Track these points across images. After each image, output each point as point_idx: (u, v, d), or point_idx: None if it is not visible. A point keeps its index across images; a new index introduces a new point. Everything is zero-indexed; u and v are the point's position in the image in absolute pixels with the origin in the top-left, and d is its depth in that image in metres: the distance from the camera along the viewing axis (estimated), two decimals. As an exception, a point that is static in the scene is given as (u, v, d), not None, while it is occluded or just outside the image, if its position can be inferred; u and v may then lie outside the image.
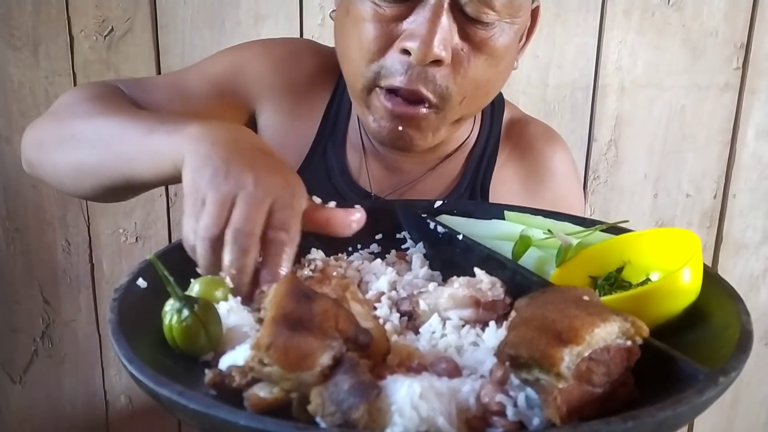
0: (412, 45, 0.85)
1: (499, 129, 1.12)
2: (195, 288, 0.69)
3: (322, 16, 1.54)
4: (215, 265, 0.67)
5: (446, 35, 0.85)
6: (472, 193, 1.09)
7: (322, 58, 1.11)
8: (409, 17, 0.86)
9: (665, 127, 1.76)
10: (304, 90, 1.09)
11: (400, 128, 0.91)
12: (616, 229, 0.80)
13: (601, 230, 0.80)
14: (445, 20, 0.84)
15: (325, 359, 0.51)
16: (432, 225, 0.83)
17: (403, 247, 0.85)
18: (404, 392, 0.50)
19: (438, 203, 0.90)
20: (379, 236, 0.85)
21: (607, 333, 0.52)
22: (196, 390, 0.52)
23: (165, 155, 0.76)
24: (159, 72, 1.52)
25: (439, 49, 0.84)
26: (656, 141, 1.77)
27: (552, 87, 1.68)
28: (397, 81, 0.88)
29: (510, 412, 0.51)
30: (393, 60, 0.88)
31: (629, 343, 0.53)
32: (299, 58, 1.10)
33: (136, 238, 1.64)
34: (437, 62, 0.86)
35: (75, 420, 1.74)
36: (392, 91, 0.89)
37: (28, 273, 1.63)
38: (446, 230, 0.81)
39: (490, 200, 1.09)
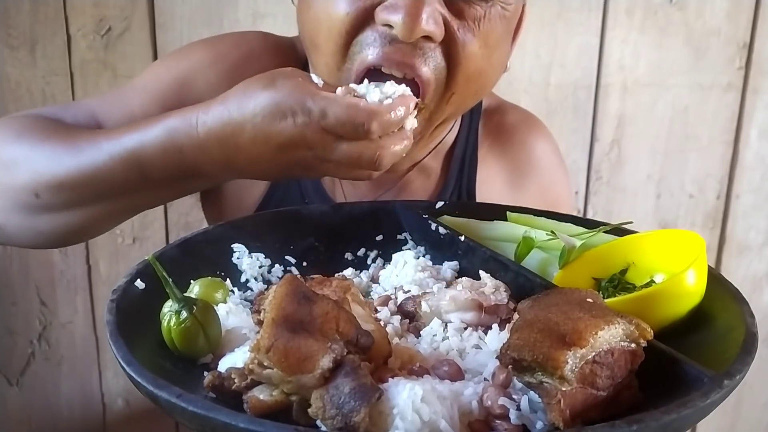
0: (395, 18, 0.73)
1: (477, 121, 1.04)
2: (194, 289, 0.69)
3: (323, 16, 1.54)
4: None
5: (436, 6, 0.75)
6: (459, 196, 1.02)
7: (280, 52, 1.00)
8: None
9: (668, 127, 1.76)
10: None
11: None
12: (619, 231, 0.80)
13: (605, 231, 0.79)
14: None
15: (325, 362, 0.50)
16: (434, 226, 0.82)
17: (404, 248, 0.85)
18: (406, 395, 0.49)
19: (440, 204, 0.89)
20: (379, 237, 0.84)
21: (611, 335, 0.52)
22: (195, 392, 0.52)
23: (181, 184, 0.78)
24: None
25: (428, 23, 0.74)
26: (659, 141, 1.77)
27: (554, 86, 1.68)
28: (372, 54, 0.76)
29: (513, 415, 0.51)
30: (370, 34, 0.77)
31: (633, 345, 0.53)
32: (255, 59, 0.97)
33: (133, 239, 1.63)
34: (427, 38, 0.76)
35: (72, 422, 1.73)
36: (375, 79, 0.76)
37: (24, 275, 1.62)
38: (448, 231, 0.80)
39: (477, 200, 1.03)
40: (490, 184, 1.04)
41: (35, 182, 0.80)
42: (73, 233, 0.85)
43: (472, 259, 0.76)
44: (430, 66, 0.78)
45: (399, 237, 0.86)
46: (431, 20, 0.74)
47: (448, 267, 0.78)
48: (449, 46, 0.79)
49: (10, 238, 0.87)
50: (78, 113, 0.92)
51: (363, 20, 0.78)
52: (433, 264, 0.79)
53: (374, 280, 0.79)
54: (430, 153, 1.01)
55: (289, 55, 1.00)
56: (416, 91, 0.78)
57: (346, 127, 0.68)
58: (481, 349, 0.62)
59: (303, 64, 0.96)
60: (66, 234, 0.85)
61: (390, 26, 0.75)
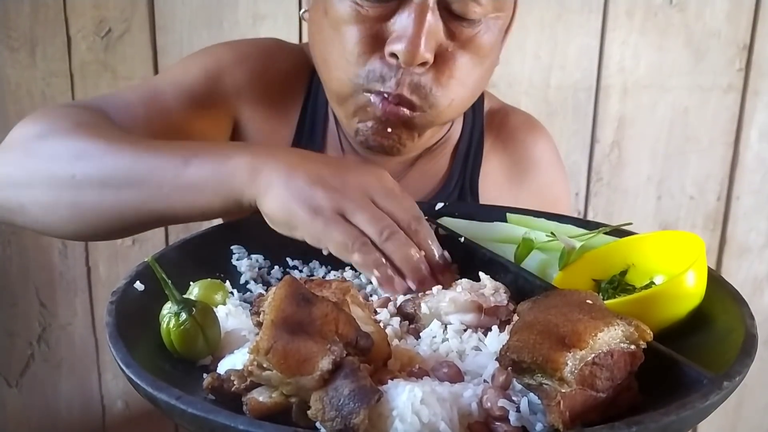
0: (399, 48, 0.81)
1: (482, 121, 1.10)
2: (194, 291, 0.69)
3: (323, 17, 1.54)
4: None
5: (433, 36, 0.82)
6: (462, 190, 1.06)
7: (293, 57, 1.06)
8: (394, 17, 0.83)
9: (668, 129, 1.76)
10: (278, 95, 1.04)
11: (389, 130, 0.89)
12: (619, 232, 0.80)
13: (605, 233, 0.79)
14: (431, 19, 0.81)
15: (325, 364, 0.50)
16: (433, 227, 0.82)
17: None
18: (405, 397, 0.49)
19: (439, 205, 0.89)
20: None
21: (610, 337, 0.52)
22: (194, 394, 0.52)
23: (215, 188, 0.75)
24: (156, 73, 1.52)
25: (425, 51, 0.82)
26: (659, 143, 1.77)
27: (554, 88, 1.68)
28: (387, 86, 0.85)
29: (513, 417, 0.51)
30: (381, 65, 0.85)
31: (633, 347, 0.53)
32: (272, 60, 1.04)
33: (133, 241, 1.63)
34: (423, 64, 0.83)
35: (71, 424, 1.73)
36: (379, 94, 0.86)
37: (24, 276, 1.62)
38: (448, 233, 0.80)
39: (479, 195, 1.07)
40: (492, 180, 1.08)
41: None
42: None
43: (471, 260, 0.76)
44: (427, 87, 0.86)
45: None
46: (428, 47, 0.82)
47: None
48: (443, 66, 0.86)
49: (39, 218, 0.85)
50: (119, 107, 0.94)
51: (371, 49, 0.85)
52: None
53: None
54: (436, 144, 1.05)
55: (300, 59, 1.05)
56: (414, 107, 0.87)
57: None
58: (480, 350, 0.61)
59: (312, 70, 1.02)
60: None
61: (396, 56, 0.83)
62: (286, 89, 1.04)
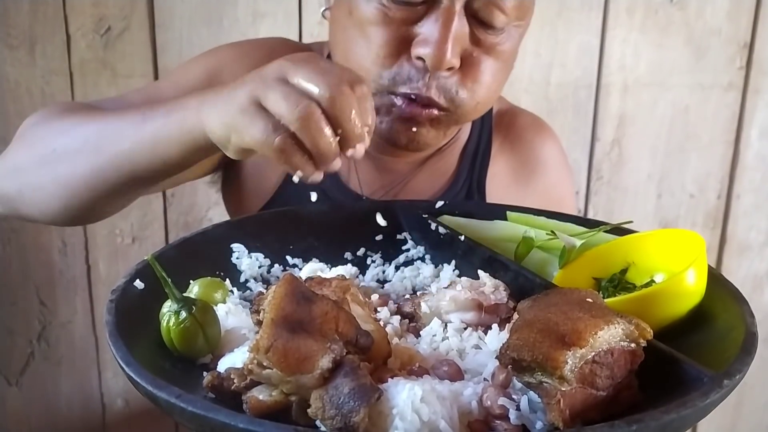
0: (426, 52, 0.82)
1: (491, 122, 1.11)
2: (193, 289, 0.69)
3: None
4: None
5: (459, 41, 0.84)
6: (469, 190, 1.08)
7: None
8: (421, 21, 0.84)
9: (669, 127, 1.76)
10: None
11: (414, 129, 0.90)
12: (619, 230, 0.80)
13: (605, 231, 0.79)
14: (458, 24, 0.83)
15: (325, 362, 0.50)
16: (433, 226, 0.82)
17: (403, 248, 0.85)
18: (405, 395, 0.49)
19: (439, 204, 0.89)
20: (379, 237, 0.84)
21: (610, 335, 0.52)
22: (194, 393, 0.52)
23: (171, 133, 0.74)
24: (156, 71, 1.52)
25: (452, 57, 0.83)
26: (660, 141, 1.77)
27: (554, 86, 1.68)
28: (415, 89, 0.85)
29: (513, 415, 0.51)
30: (408, 67, 0.85)
31: (633, 345, 0.53)
32: (277, 58, 1.05)
33: (133, 239, 1.63)
34: (449, 68, 0.85)
35: (72, 422, 1.73)
36: (405, 96, 0.87)
37: (24, 274, 1.62)
38: (448, 231, 0.80)
39: (486, 194, 1.08)
40: (499, 180, 1.09)
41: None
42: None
43: (471, 258, 0.76)
44: (453, 90, 0.87)
45: (399, 237, 0.86)
46: (454, 52, 0.83)
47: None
48: (468, 71, 0.87)
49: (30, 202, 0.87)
50: (121, 107, 0.94)
51: (397, 51, 0.85)
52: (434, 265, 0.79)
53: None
54: (446, 144, 1.06)
55: None
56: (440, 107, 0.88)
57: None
58: (480, 349, 0.62)
59: None
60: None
61: (422, 59, 0.83)
62: None
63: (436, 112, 0.88)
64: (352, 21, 0.88)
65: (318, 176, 0.66)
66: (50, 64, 1.48)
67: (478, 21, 0.85)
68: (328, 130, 0.63)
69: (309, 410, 0.49)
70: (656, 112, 1.74)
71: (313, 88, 0.64)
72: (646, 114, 1.73)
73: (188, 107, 0.74)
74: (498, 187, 1.08)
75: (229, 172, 1.08)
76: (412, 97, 0.86)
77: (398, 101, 0.87)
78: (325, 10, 0.96)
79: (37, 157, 0.85)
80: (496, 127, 1.11)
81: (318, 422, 0.49)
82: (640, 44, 1.68)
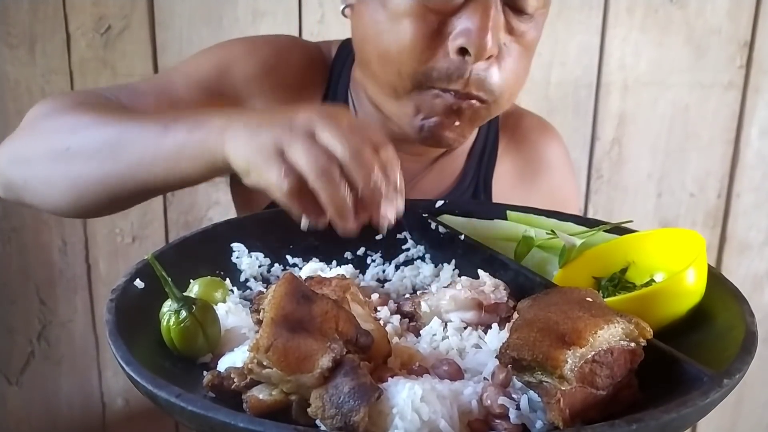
0: (468, 42, 0.82)
1: (497, 123, 1.11)
2: (194, 289, 0.69)
3: (321, 13, 1.53)
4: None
5: (497, 29, 0.83)
6: (476, 189, 1.08)
7: (309, 54, 1.06)
8: (459, 12, 0.83)
9: (669, 126, 1.76)
10: (294, 89, 1.03)
11: (457, 123, 0.89)
12: (619, 230, 0.80)
13: (605, 230, 0.79)
14: (495, 13, 0.82)
15: (325, 361, 0.50)
16: (433, 225, 0.82)
17: (403, 247, 0.84)
18: (405, 395, 0.49)
19: (439, 203, 0.89)
20: (379, 236, 0.84)
21: (610, 335, 0.52)
22: (194, 392, 0.52)
23: (192, 151, 0.74)
24: (156, 70, 1.52)
25: (493, 45, 0.82)
26: (660, 140, 1.76)
27: (555, 85, 1.68)
28: (456, 84, 0.85)
29: (512, 414, 0.51)
30: (445, 62, 0.84)
31: (633, 344, 0.53)
32: (287, 56, 1.04)
33: (133, 238, 1.63)
34: (488, 57, 0.84)
35: (72, 422, 1.73)
36: (447, 91, 0.86)
37: (24, 273, 1.62)
38: (448, 230, 0.80)
39: (492, 194, 1.08)
40: (505, 181, 1.10)
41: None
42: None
43: (471, 258, 0.76)
44: (492, 82, 0.86)
45: (399, 236, 0.86)
46: (494, 41, 0.82)
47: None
48: (502, 60, 0.87)
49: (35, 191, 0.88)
50: (131, 96, 0.96)
51: (436, 44, 0.84)
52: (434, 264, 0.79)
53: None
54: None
55: (317, 56, 1.06)
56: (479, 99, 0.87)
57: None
58: (480, 348, 0.62)
59: (328, 68, 1.04)
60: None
61: (463, 52, 0.83)
62: (302, 85, 1.04)
63: (477, 104, 0.88)
64: (386, 14, 0.86)
65: (324, 221, 0.66)
66: (50, 63, 1.48)
67: (511, 8, 0.85)
68: (343, 187, 0.63)
69: (309, 409, 0.49)
70: (656, 111, 1.74)
71: (337, 147, 0.64)
72: (646, 113, 1.73)
73: (212, 127, 0.73)
74: (504, 188, 1.09)
75: None
76: (454, 91, 0.86)
77: (442, 95, 0.86)
78: (345, 8, 0.94)
79: (49, 152, 0.84)
80: (502, 128, 1.11)
81: (318, 421, 0.49)
82: (640, 43, 1.68)
